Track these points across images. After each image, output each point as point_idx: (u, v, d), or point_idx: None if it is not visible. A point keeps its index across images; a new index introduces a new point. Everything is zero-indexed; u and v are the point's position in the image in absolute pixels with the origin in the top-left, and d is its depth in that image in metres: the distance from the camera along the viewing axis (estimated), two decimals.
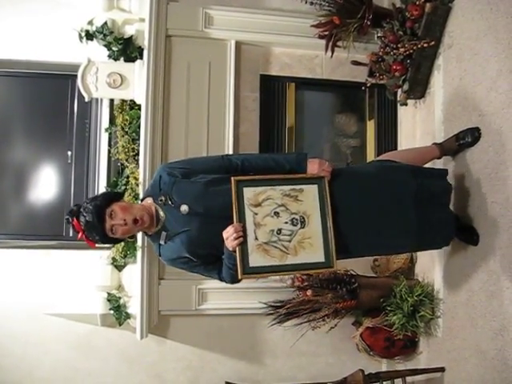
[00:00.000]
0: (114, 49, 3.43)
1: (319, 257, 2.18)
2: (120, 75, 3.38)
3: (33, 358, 3.43)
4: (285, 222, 2.16)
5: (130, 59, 3.47)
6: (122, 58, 3.48)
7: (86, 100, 3.40)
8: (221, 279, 2.30)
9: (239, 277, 2.12)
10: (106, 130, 3.53)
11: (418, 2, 3.11)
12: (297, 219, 2.17)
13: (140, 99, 3.39)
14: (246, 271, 2.10)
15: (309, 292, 3.13)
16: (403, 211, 2.37)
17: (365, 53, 3.50)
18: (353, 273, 3.26)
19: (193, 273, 2.38)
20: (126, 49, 3.45)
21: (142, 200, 2.33)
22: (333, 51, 3.52)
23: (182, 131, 3.48)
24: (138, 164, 3.39)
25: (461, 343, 2.94)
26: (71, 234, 3.31)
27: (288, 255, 2.15)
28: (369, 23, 3.38)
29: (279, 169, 2.25)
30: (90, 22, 3.42)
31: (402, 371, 3.20)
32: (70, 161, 3.54)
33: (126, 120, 3.45)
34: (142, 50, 3.43)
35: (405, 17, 3.20)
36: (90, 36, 3.41)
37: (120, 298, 3.37)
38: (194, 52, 3.54)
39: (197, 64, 3.54)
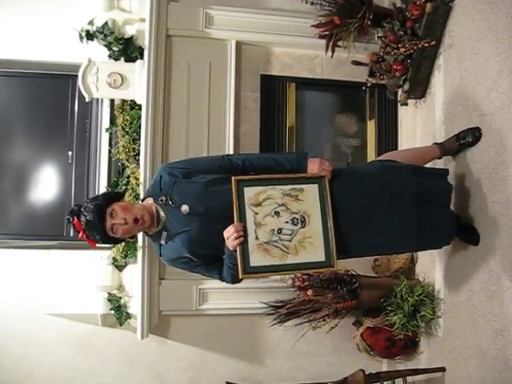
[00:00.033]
0: (115, 49, 3.43)
1: (320, 256, 2.18)
2: (120, 75, 3.38)
3: (33, 358, 3.43)
4: (285, 221, 2.16)
5: (130, 59, 3.47)
6: (122, 58, 3.48)
7: (87, 100, 3.40)
8: (221, 279, 2.30)
9: (240, 276, 2.12)
10: (107, 130, 3.53)
11: (418, 2, 3.11)
12: (297, 219, 2.17)
13: (140, 99, 3.39)
14: (246, 271, 2.10)
15: (309, 292, 3.13)
16: (404, 211, 2.37)
17: (365, 53, 3.50)
18: (353, 273, 3.27)
19: (193, 273, 2.38)
20: (127, 49, 3.45)
21: (142, 200, 2.33)
22: (333, 51, 3.52)
23: (183, 131, 3.48)
24: (138, 164, 3.39)
25: (461, 343, 2.94)
26: (72, 234, 3.33)
27: (288, 255, 2.15)
28: (369, 23, 3.38)
29: (280, 168, 2.25)
30: (91, 22, 3.42)
31: (403, 371, 3.20)
32: (70, 161, 3.54)
33: (127, 120, 3.45)
34: (143, 50, 3.43)
35: (405, 17, 3.20)
36: (90, 36, 3.41)
37: (121, 298, 3.37)
38: (195, 52, 3.55)
39: (197, 64, 3.54)
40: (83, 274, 3.42)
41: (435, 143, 3.04)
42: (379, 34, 3.40)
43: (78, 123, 3.56)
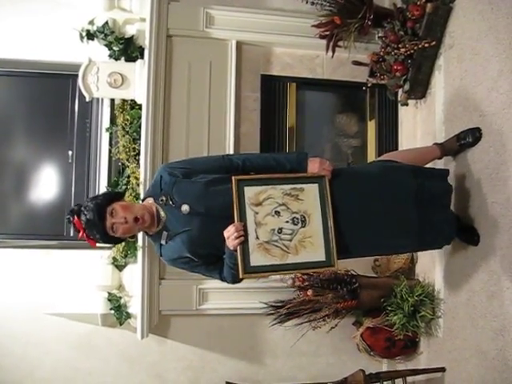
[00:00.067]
0: (115, 48, 3.44)
1: (320, 256, 2.18)
2: (121, 75, 3.38)
3: (33, 358, 3.43)
4: (286, 221, 2.16)
5: (130, 59, 3.47)
6: (122, 58, 3.48)
7: (87, 100, 3.40)
8: (222, 279, 2.30)
9: (240, 276, 2.12)
10: (107, 129, 3.53)
11: (418, 2, 3.11)
12: (297, 218, 2.17)
13: (141, 99, 3.39)
14: (247, 270, 2.10)
15: (309, 292, 3.13)
16: (404, 211, 2.37)
17: (366, 53, 3.50)
18: (353, 273, 3.26)
19: (194, 273, 2.39)
20: (127, 48, 3.45)
21: (142, 200, 2.33)
22: (334, 51, 3.52)
23: (183, 131, 3.48)
24: (138, 164, 3.39)
25: (461, 343, 2.94)
26: (72, 234, 3.33)
27: (289, 254, 2.15)
28: (370, 23, 3.38)
29: (280, 168, 2.25)
30: (91, 22, 3.42)
31: (403, 371, 3.20)
32: (70, 160, 3.54)
33: (127, 120, 3.45)
34: (143, 49, 3.43)
35: (406, 17, 3.20)
36: (90, 36, 3.41)
37: (121, 297, 3.37)
38: (195, 52, 3.55)
39: (198, 64, 3.54)
40: (83, 274, 3.42)
41: (435, 143, 3.04)
42: (380, 34, 3.39)
43: (78, 123, 3.56)
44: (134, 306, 3.33)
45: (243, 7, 3.62)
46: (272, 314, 3.23)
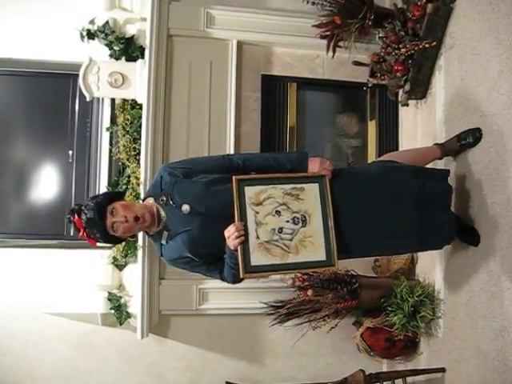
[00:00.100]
0: (116, 48, 3.43)
1: (320, 255, 2.18)
2: (121, 74, 3.38)
3: (33, 358, 3.43)
4: (286, 220, 2.16)
5: (131, 59, 3.47)
6: (123, 58, 3.48)
7: (88, 99, 3.40)
8: (222, 279, 2.30)
9: (241, 276, 2.12)
10: (108, 129, 3.53)
11: (419, 3, 3.11)
12: (298, 218, 2.17)
13: (141, 99, 3.39)
14: (247, 270, 2.10)
15: (309, 292, 3.13)
16: (404, 211, 2.37)
17: (366, 53, 3.50)
18: (353, 273, 3.26)
19: (194, 273, 2.39)
20: (128, 48, 3.45)
21: (143, 200, 2.34)
22: (334, 51, 3.52)
23: (184, 131, 3.48)
24: (139, 163, 3.39)
25: (461, 344, 2.94)
26: (72, 234, 3.33)
27: (289, 254, 2.15)
28: (370, 23, 3.38)
29: (280, 168, 2.25)
30: (92, 22, 3.41)
31: (403, 371, 3.20)
32: (71, 160, 3.54)
33: (128, 119, 3.45)
34: (144, 49, 3.43)
35: (406, 17, 3.20)
36: (91, 35, 3.41)
37: (121, 297, 3.37)
38: (196, 52, 3.55)
39: (198, 64, 3.54)
40: (83, 274, 3.42)
41: (436, 144, 3.05)
42: (380, 35, 3.40)
43: (78, 122, 3.56)
44: (134, 305, 3.33)
45: (244, 7, 3.62)
46: (272, 314, 3.23)
